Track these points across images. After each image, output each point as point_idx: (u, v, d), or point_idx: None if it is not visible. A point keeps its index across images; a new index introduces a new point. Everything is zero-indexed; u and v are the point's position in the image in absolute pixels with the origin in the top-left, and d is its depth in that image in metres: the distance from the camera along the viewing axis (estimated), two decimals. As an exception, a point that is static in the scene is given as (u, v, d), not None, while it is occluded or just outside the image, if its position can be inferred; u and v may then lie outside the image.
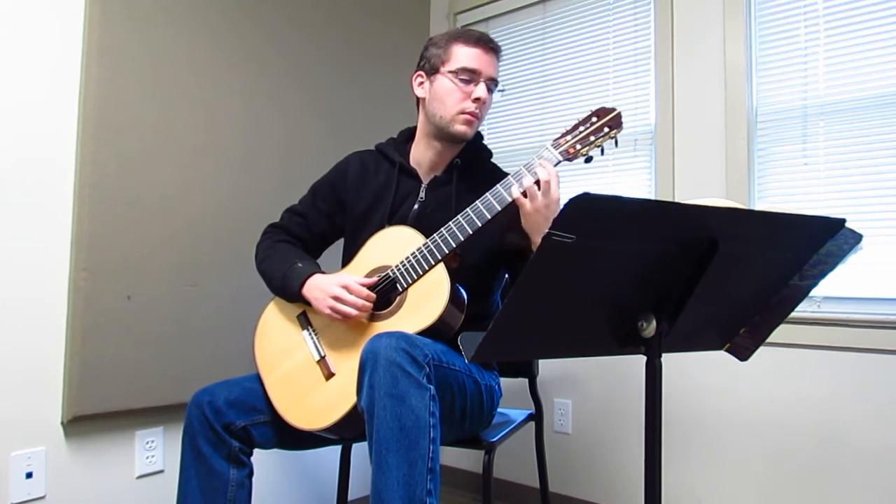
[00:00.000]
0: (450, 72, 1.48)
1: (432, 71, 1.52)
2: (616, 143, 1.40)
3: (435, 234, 1.40)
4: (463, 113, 1.48)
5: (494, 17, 2.57)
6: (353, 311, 1.39)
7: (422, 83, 1.55)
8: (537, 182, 1.33)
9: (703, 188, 2.01)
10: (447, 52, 1.50)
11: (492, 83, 1.51)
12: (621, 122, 1.39)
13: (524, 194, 1.34)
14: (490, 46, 1.50)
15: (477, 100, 1.47)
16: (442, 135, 1.52)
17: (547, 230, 1.32)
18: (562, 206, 0.77)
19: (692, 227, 0.88)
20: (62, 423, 1.64)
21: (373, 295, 1.41)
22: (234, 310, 1.91)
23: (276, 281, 1.53)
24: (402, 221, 1.52)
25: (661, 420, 0.96)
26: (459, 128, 1.50)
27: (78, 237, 1.64)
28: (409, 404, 1.16)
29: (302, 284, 1.47)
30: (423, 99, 1.55)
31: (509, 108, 2.50)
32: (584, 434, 2.21)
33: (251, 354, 1.55)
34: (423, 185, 1.56)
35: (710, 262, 0.89)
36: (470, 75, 1.48)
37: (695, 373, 1.99)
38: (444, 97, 1.49)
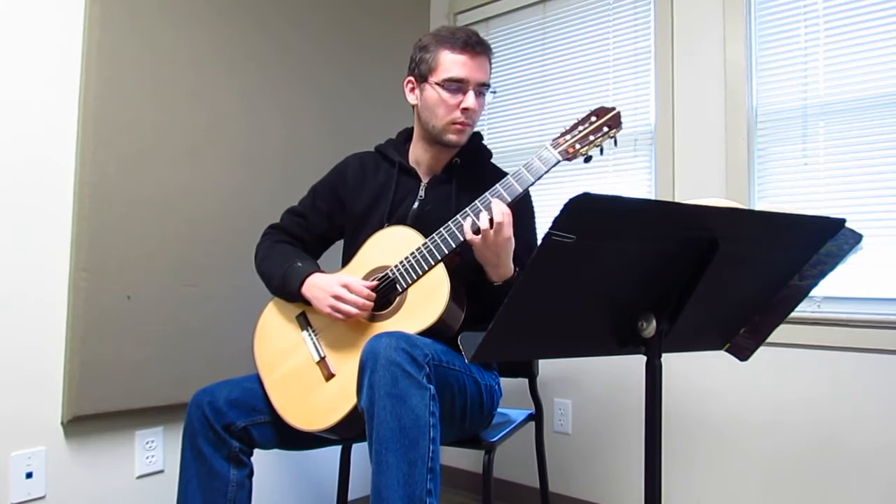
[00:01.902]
0: (437, 83, 1.46)
1: (421, 78, 1.50)
2: (615, 142, 1.40)
3: (434, 234, 1.40)
4: (453, 123, 1.48)
5: (494, 17, 2.57)
6: (354, 311, 1.39)
7: (413, 89, 1.54)
8: (490, 220, 1.31)
9: (703, 188, 2.01)
10: (434, 59, 1.47)
11: (482, 87, 1.48)
12: (620, 122, 1.38)
13: (477, 233, 1.33)
14: (477, 50, 1.46)
15: (466, 109, 1.46)
16: (436, 141, 1.52)
17: (497, 265, 1.33)
18: (561, 207, 0.77)
19: (692, 227, 0.88)
20: (62, 423, 1.64)
21: (374, 294, 1.41)
22: (234, 310, 1.91)
23: (276, 281, 1.53)
24: (402, 220, 1.53)
25: (661, 420, 0.96)
26: (451, 137, 1.49)
27: (78, 237, 1.64)
28: (409, 404, 1.16)
29: (301, 284, 1.47)
30: (416, 105, 1.54)
31: (509, 108, 2.50)
32: (584, 434, 2.21)
33: (251, 354, 1.55)
34: (423, 184, 1.56)
35: (710, 262, 0.89)
36: (458, 84, 1.45)
37: (695, 373, 1.99)
38: (433, 108, 1.48)
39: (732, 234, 0.89)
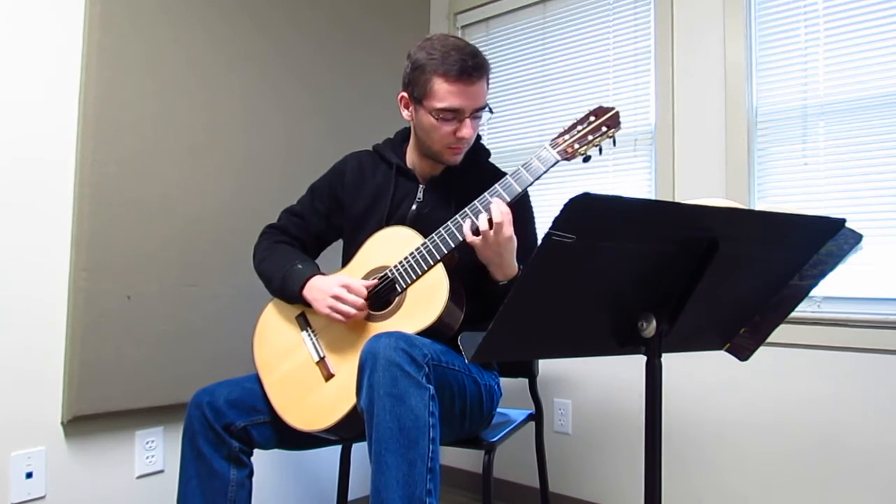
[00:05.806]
0: (431, 111, 1.42)
1: (415, 100, 1.45)
2: (614, 142, 1.39)
3: (433, 234, 1.40)
4: (449, 147, 1.46)
5: (494, 17, 2.56)
6: (353, 311, 1.39)
7: (406, 105, 1.50)
8: (490, 221, 1.31)
9: (703, 188, 2.01)
10: (429, 85, 1.40)
11: (478, 111, 1.45)
12: (619, 121, 1.38)
13: (476, 233, 1.32)
14: (473, 77, 1.39)
15: (461, 137, 1.44)
16: (432, 157, 1.52)
17: (500, 264, 1.33)
18: (562, 207, 0.77)
19: (692, 227, 0.88)
20: (62, 423, 1.64)
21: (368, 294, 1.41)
22: (234, 310, 1.91)
23: (276, 282, 1.52)
24: (401, 222, 1.52)
25: (661, 420, 0.96)
26: (447, 158, 1.49)
27: (78, 237, 1.64)
28: (409, 404, 1.16)
29: (302, 286, 1.47)
30: (411, 120, 1.52)
31: (509, 108, 2.49)
32: (584, 434, 2.21)
33: (251, 354, 1.55)
34: (421, 186, 1.56)
35: (710, 262, 0.89)
36: (453, 114, 1.42)
37: (695, 373, 1.99)
38: (428, 132, 1.45)
39: (732, 234, 0.89)
